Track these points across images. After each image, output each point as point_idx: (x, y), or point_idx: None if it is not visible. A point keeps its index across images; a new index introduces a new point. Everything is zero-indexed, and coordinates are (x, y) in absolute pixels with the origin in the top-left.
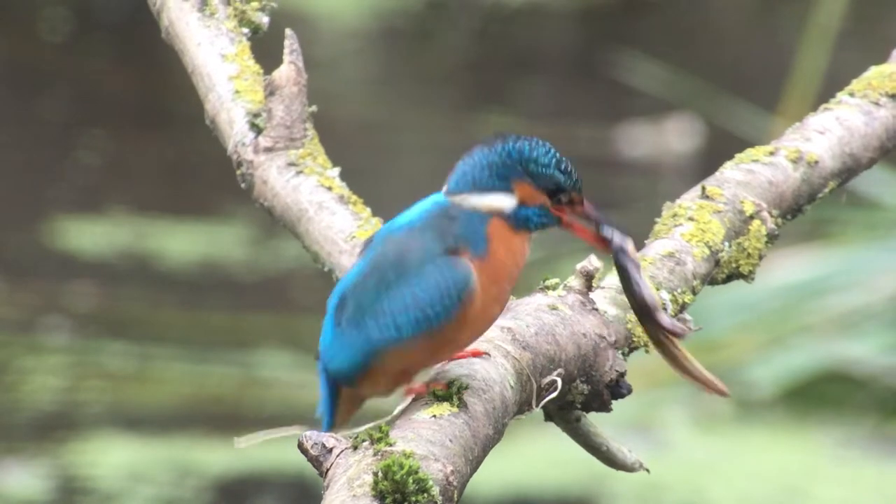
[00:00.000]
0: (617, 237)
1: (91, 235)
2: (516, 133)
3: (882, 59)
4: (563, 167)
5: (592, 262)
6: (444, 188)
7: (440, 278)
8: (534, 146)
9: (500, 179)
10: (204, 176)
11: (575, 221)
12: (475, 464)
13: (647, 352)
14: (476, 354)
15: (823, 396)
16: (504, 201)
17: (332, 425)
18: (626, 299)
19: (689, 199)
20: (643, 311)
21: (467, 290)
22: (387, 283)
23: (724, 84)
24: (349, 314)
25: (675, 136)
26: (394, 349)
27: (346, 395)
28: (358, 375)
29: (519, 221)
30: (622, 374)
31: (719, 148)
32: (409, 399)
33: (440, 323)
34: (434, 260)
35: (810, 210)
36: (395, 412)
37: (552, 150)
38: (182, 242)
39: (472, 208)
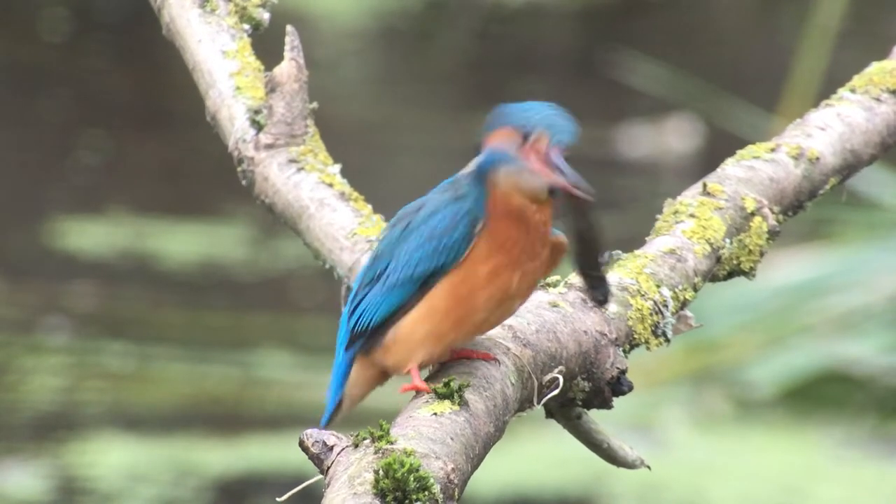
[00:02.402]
0: (566, 177)
1: (91, 235)
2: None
3: (882, 58)
4: (535, 111)
5: (542, 156)
6: None
7: (449, 211)
8: (529, 103)
9: (485, 132)
10: (204, 176)
11: (535, 161)
12: (476, 461)
13: (648, 349)
14: (487, 357)
15: (823, 396)
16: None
17: (338, 400)
18: (626, 297)
19: (691, 196)
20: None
21: (474, 216)
22: (403, 231)
23: (724, 84)
24: (369, 268)
25: (675, 136)
26: (414, 300)
27: (361, 365)
28: (377, 332)
29: (481, 165)
30: (623, 372)
31: (719, 148)
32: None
33: (451, 248)
34: (446, 204)
35: (811, 208)
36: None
37: (538, 104)
38: (182, 242)
39: (470, 172)
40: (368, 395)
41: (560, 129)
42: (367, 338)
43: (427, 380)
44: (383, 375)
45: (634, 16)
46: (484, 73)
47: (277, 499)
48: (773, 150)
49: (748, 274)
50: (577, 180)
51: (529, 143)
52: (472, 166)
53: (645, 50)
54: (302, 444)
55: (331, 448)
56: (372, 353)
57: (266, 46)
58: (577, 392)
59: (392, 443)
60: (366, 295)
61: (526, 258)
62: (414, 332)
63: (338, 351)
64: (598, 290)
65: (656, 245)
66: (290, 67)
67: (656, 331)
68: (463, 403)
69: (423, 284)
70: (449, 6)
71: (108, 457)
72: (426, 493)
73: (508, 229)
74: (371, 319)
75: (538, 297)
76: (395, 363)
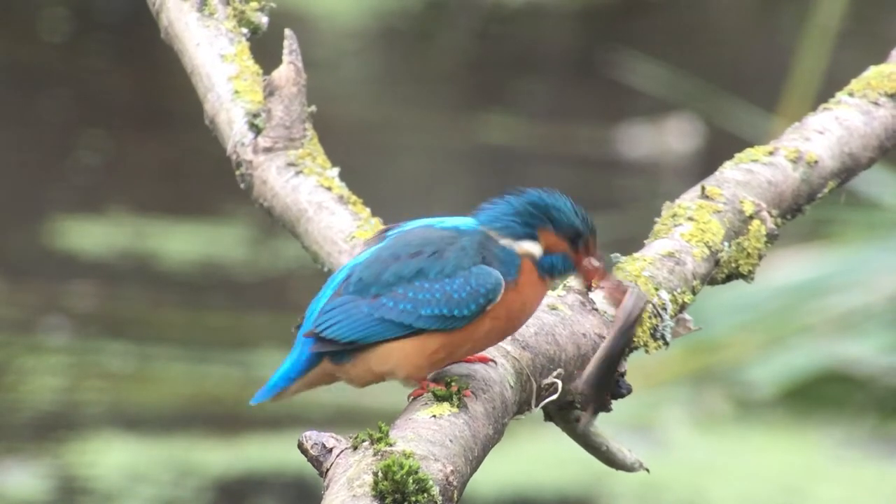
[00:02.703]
0: (631, 300)
1: (91, 235)
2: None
3: (881, 59)
4: (580, 214)
5: (592, 262)
6: (475, 217)
7: (472, 279)
8: (554, 196)
9: (528, 227)
10: (204, 176)
11: (589, 267)
12: (475, 464)
13: (646, 352)
14: (483, 360)
15: (823, 396)
16: (534, 248)
17: (286, 386)
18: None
19: (689, 199)
20: (605, 367)
21: (494, 294)
22: (416, 270)
23: (724, 84)
24: (358, 285)
25: (675, 136)
26: (403, 339)
27: (323, 369)
28: (353, 349)
29: (545, 268)
30: (622, 374)
31: (719, 148)
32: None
33: (461, 319)
34: (470, 265)
35: (810, 210)
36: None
37: (569, 199)
38: (182, 242)
39: (506, 245)
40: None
41: (594, 227)
42: (337, 347)
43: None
44: (338, 378)
45: (634, 16)
46: (484, 73)
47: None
48: (771, 153)
49: (747, 277)
50: (638, 293)
51: (581, 249)
52: (530, 250)
53: (645, 50)
54: (301, 446)
55: (330, 450)
56: (340, 363)
57: (264, 50)
58: (576, 395)
59: (391, 445)
60: (346, 304)
61: (519, 324)
62: (390, 357)
63: (300, 340)
64: (597, 403)
65: (655, 248)
66: (288, 71)
67: (655, 334)
68: (462, 405)
69: (418, 329)
70: (449, 6)
71: (108, 457)
72: (425, 494)
73: (526, 297)
74: (347, 337)
75: None
76: (361, 377)
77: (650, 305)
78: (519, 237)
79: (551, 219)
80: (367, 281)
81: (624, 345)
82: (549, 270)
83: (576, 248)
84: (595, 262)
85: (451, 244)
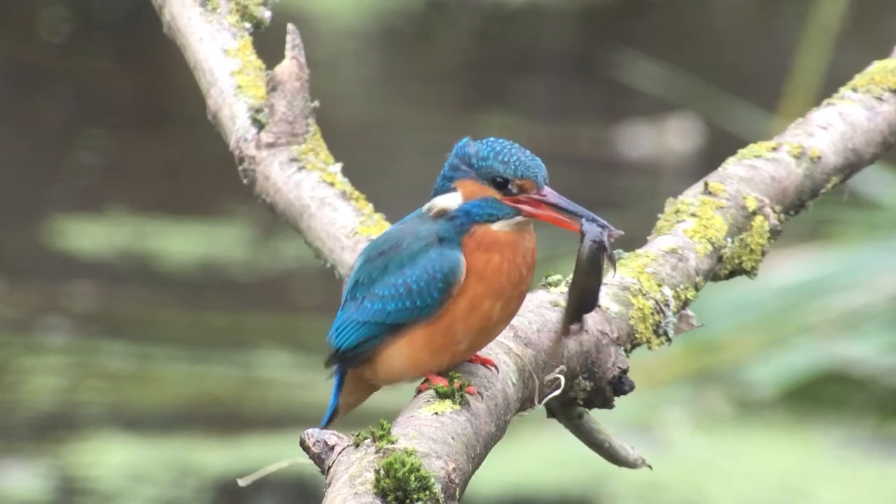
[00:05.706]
0: (592, 231)
1: (91, 235)
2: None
3: (882, 58)
4: (502, 158)
5: (535, 199)
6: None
7: (428, 265)
8: (477, 144)
9: (446, 181)
10: (204, 176)
11: (539, 210)
12: (477, 461)
13: (649, 348)
14: (486, 363)
15: (823, 396)
16: (449, 201)
17: (335, 407)
18: (628, 296)
19: (692, 195)
20: (579, 307)
21: (454, 276)
22: (382, 268)
23: (724, 84)
24: (350, 290)
25: (675, 136)
26: (388, 336)
27: (352, 377)
28: (356, 354)
29: (464, 216)
30: (624, 371)
31: (719, 148)
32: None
33: (426, 308)
34: (426, 249)
35: (812, 207)
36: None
37: (498, 146)
38: (182, 242)
39: (432, 211)
40: (364, 400)
41: (537, 168)
42: (349, 357)
43: (427, 381)
44: (369, 384)
45: (634, 16)
46: (484, 73)
47: (240, 481)
48: (774, 148)
49: (750, 273)
50: (593, 216)
51: (517, 193)
52: (444, 204)
53: (645, 50)
54: (303, 444)
55: (332, 448)
56: (359, 369)
57: (267, 45)
58: (579, 391)
59: (393, 442)
60: (345, 312)
61: (510, 286)
62: (393, 358)
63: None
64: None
65: (658, 244)
66: (291, 66)
67: (658, 330)
68: (464, 403)
69: (398, 326)
70: (449, 6)
71: (108, 457)
72: (427, 492)
73: (490, 261)
74: (346, 343)
75: (539, 297)
76: (380, 381)
77: (653, 301)
78: (438, 193)
79: (472, 167)
80: (357, 285)
81: (591, 284)
82: (469, 217)
83: (507, 193)
84: (552, 200)
85: (408, 234)
